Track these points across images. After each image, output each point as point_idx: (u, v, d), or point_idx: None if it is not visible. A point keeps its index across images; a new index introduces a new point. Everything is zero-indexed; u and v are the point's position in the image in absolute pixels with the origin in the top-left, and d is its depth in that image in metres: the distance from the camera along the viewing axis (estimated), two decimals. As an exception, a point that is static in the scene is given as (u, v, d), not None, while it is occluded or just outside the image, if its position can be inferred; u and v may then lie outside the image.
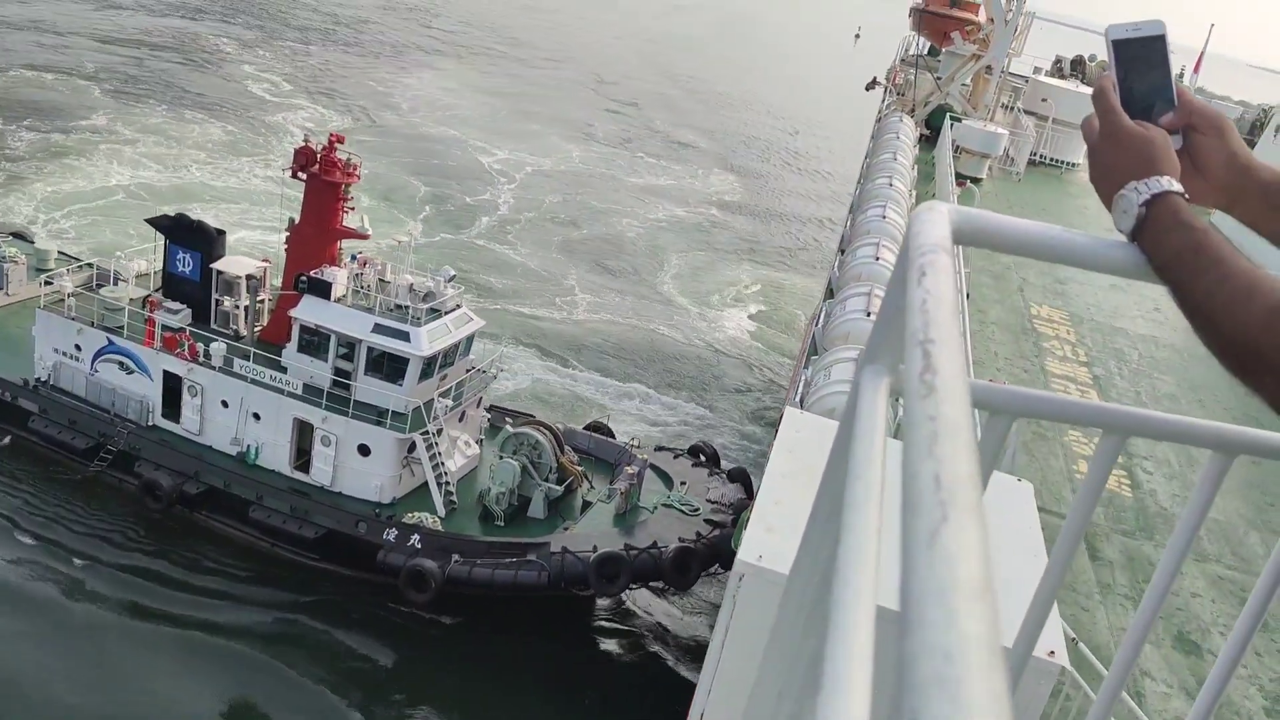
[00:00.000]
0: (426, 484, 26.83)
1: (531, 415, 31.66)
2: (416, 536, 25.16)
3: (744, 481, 29.04)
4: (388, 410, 26.21)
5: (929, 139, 37.82)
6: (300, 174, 27.93)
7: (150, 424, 28.50)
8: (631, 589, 26.38)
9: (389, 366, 26.38)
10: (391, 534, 25.33)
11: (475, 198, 62.62)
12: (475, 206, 61.06)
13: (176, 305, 28.93)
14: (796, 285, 59.81)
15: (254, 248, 42.08)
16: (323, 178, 27.69)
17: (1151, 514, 14.86)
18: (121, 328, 28.48)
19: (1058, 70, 50.16)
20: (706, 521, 26.38)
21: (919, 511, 0.84)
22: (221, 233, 29.73)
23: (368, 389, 26.49)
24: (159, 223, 29.55)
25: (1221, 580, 13.53)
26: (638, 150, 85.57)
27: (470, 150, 72.88)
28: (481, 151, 73.17)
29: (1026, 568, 5.93)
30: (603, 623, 27.21)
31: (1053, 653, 6.05)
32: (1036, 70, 47.71)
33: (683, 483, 28.12)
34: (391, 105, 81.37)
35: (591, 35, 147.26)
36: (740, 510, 26.57)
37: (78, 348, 28.85)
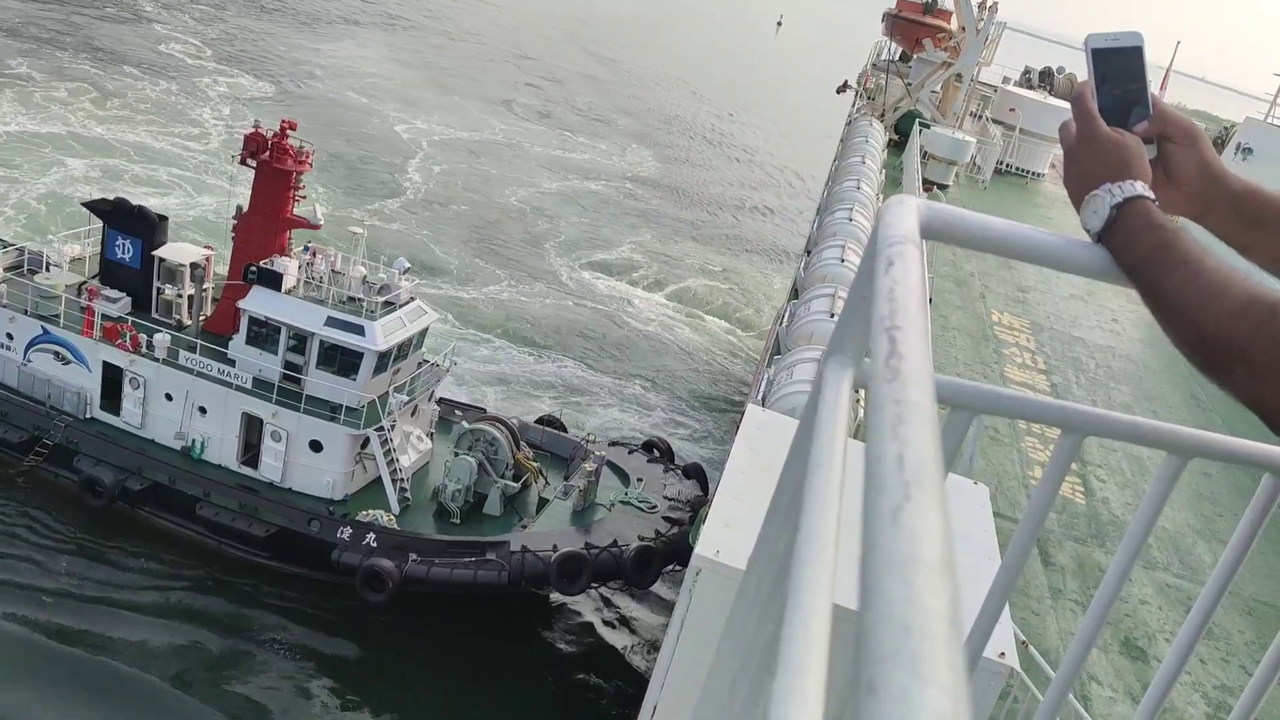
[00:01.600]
0: (378, 480, 26.34)
1: (482, 409, 31.40)
2: (372, 535, 24.65)
3: (700, 478, 29.06)
4: (341, 405, 25.65)
5: (898, 144, 38.12)
6: (249, 161, 26.91)
7: (88, 416, 27.41)
8: (592, 588, 26.26)
9: (342, 361, 25.75)
10: (346, 532, 24.75)
11: (387, 168, 61.85)
12: (387, 177, 60.33)
13: (115, 293, 27.68)
14: (708, 262, 60.43)
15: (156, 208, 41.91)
16: (273, 165, 26.73)
17: (1104, 521, 15.08)
18: (57, 316, 27.32)
19: (1026, 81, 50.72)
20: (664, 519, 26.37)
21: (882, 490, 0.84)
22: (164, 219, 28.53)
23: (320, 383, 25.90)
24: (97, 207, 28.32)
25: (1169, 588, 13.77)
26: (558, 125, 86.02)
27: (385, 120, 72.25)
28: (397, 121, 72.66)
29: (980, 570, 5.99)
30: (558, 618, 27.15)
31: (1003, 654, 6.11)
32: (1005, 80, 48.22)
33: (639, 479, 28.04)
34: (308, 73, 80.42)
35: (516, 13, 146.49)
36: (697, 507, 26.61)
37: (9, 336, 27.65)
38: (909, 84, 41.21)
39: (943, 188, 33.27)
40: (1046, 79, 51.27)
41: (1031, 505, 2.19)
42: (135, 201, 29.09)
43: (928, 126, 35.19)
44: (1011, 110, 41.43)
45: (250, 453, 26.66)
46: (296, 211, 27.37)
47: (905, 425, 0.93)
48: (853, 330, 1.79)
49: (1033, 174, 40.91)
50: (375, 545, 24.46)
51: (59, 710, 20.74)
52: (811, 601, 1.16)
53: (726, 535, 6.69)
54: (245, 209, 27.45)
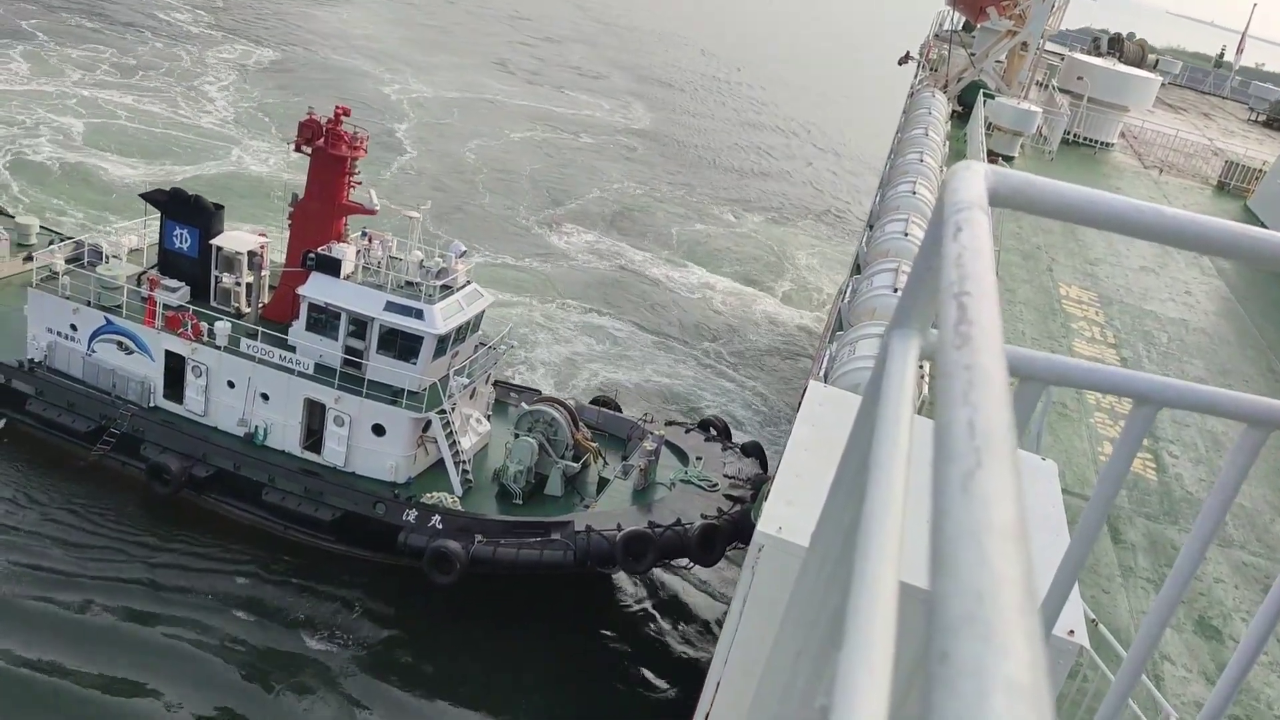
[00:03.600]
0: (438, 463, 26.61)
1: (538, 391, 31.54)
2: (437, 517, 24.87)
3: (759, 455, 28.97)
4: (402, 390, 25.89)
5: (961, 115, 37.44)
6: (304, 148, 27.14)
7: (152, 405, 27.67)
8: (658, 566, 26.33)
9: (402, 345, 25.98)
10: (411, 515, 24.99)
11: (386, 132, 61.81)
12: (382, 140, 60.36)
13: (174, 283, 27.99)
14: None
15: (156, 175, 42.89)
16: (329, 151, 26.94)
17: (1176, 498, 14.75)
18: (120, 306, 27.61)
19: (1094, 48, 49.42)
20: (726, 497, 26.35)
21: (952, 457, 0.82)
22: (220, 207, 28.95)
23: (380, 368, 26.16)
24: (154, 198, 28.78)
25: (1245, 566, 13.43)
26: (561, 84, 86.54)
27: (380, 81, 72.88)
28: (387, 83, 73.21)
29: (1049, 547, 5.89)
30: (621, 597, 27.29)
31: (1072, 632, 6.01)
32: (1073, 46, 46.99)
33: (698, 458, 28.02)
34: (304, 39, 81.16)
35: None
36: (758, 484, 26.53)
37: (73, 327, 28.15)
38: (972, 54, 40.37)
39: (1008, 159, 32.62)
40: (1116, 45, 49.91)
41: (1102, 480, 2.13)
42: (170, 180, 29.30)
43: (992, 97, 34.47)
44: (1079, 79, 40.39)
45: (313, 438, 27.00)
46: (352, 197, 27.61)
47: (976, 391, 0.91)
48: (919, 300, 1.76)
49: (1101, 144, 39.90)
50: (441, 527, 24.70)
51: (130, 691, 21.24)
52: (878, 573, 1.14)
53: (789, 512, 6.66)
54: (301, 196, 27.74)
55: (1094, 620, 8.94)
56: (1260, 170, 38.27)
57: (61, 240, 31.06)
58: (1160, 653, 11.03)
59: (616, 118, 79.45)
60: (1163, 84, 46.11)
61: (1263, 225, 31.88)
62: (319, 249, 26.53)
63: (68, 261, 28.98)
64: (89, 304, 28.01)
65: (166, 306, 27.54)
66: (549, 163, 64.11)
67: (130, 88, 59.76)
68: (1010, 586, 0.64)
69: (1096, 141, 39.75)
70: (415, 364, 26.00)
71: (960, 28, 44.80)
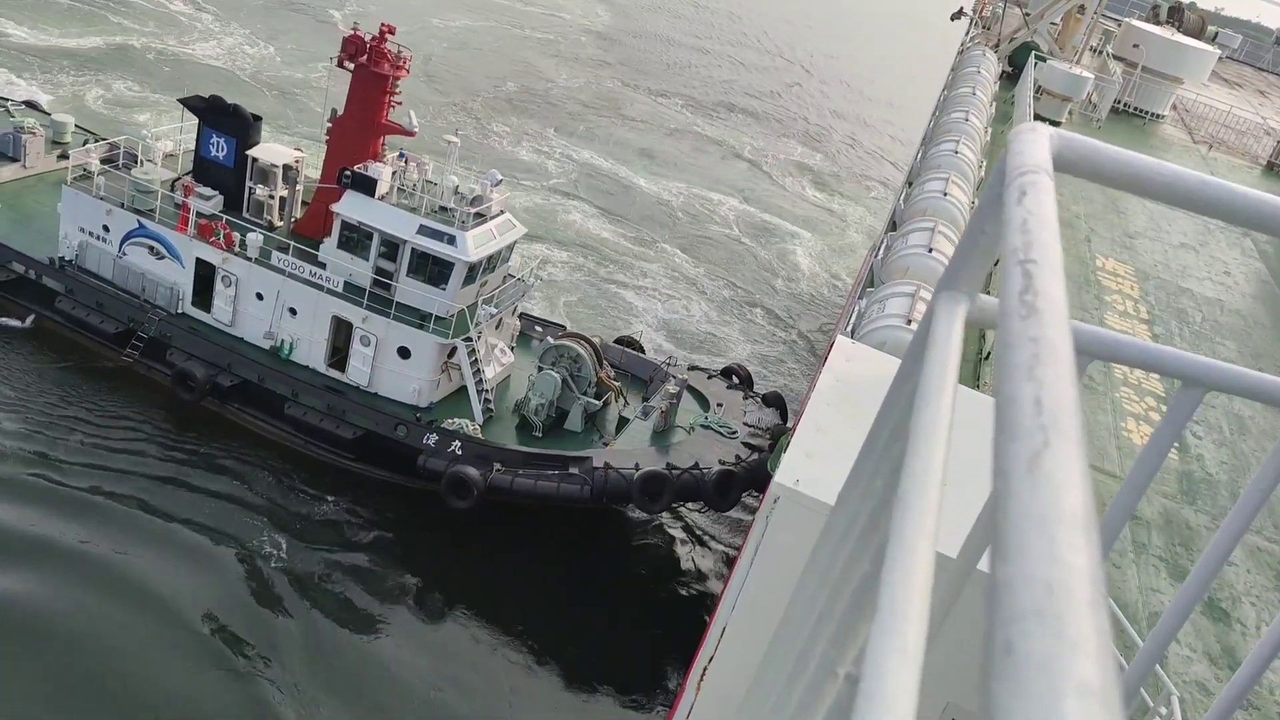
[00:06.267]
0: (460, 390, 26.76)
1: (562, 326, 31.53)
2: (458, 443, 25.07)
3: (779, 406, 28.98)
4: (430, 314, 25.97)
5: (1011, 76, 36.69)
6: (347, 64, 26.96)
7: (180, 311, 27.92)
8: (672, 508, 26.48)
9: (432, 269, 25.98)
10: (432, 439, 25.20)
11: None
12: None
13: (209, 191, 28.02)
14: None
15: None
16: (371, 69, 26.75)
17: (1196, 479, 14.64)
18: (153, 211, 27.69)
19: (1153, 16, 48.16)
20: (744, 444, 26.41)
21: (1018, 435, 0.78)
22: (258, 118, 28.84)
23: (409, 291, 26.22)
24: (192, 104, 28.65)
25: (1259, 551, 13.36)
26: None
27: None
28: None
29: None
30: (633, 535, 27.51)
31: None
32: (1131, 12, 45.82)
33: (719, 404, 28.08)
34: None
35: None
36: (777, 435, 26.56)
37: (105, 229, 28.23)
38: (1027, 14, 39.41)
39: (1055, 124, 31.95)
40: (1175, 15, 48.61)
41: (1144, 456, 2.09)
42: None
43: (1044, 60, 33.73)
44: (1135, 46, 39.41)
45: (338, 356, 27.13)
46: (391, 117, 27.41)
47: (1043, 366, 0.86)
48: (971, 263, 1.70)
49: (1152, 115, 39.05)
50: (460, 453, 24.88)
51: (134, 602, 21.29)
52: (914, 546, 1.10)
53: (807, 465, 6.64)
54: (340, 112, 27.57)
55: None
56: (1313, 152, 37.43)
57: (96, 140, 31.06)
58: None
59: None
60: (1220, 58, 44.97)
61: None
62: (355, 167, 26.43)
63: (103, 162, 29.01)
64: (123, 206, 28.06)
65: (200, 214, 27.56)
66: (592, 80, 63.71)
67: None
68: (1080, 578, 0.61)
69: (1147, 112, 38.91)
70: (445, 289, 26.01)
71: (1017, -15, 43.63)
